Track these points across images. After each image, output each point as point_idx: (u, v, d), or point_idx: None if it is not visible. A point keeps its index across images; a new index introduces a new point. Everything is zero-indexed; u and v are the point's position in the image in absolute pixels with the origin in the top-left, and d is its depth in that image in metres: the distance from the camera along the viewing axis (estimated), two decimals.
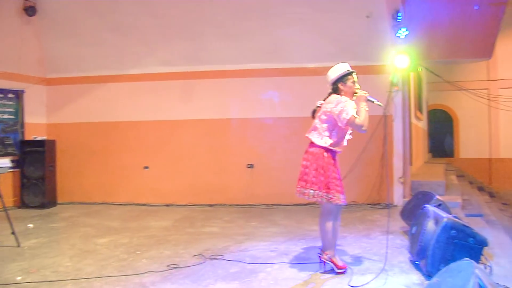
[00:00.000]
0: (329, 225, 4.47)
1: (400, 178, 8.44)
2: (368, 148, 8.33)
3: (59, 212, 8.48)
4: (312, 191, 4.36)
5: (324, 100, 4.54)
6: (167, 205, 8.97)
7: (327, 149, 4.40)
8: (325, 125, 4.42)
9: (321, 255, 4.57)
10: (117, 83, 9.36)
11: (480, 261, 4.23)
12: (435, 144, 20.66)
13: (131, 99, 9.34)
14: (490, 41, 9.73)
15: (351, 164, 8.28)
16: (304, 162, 4.48)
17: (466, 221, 6.58)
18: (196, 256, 5.21)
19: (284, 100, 8.84)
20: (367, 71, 8.25)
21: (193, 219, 7.64)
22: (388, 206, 8.10)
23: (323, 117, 4.44)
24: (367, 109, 4.37)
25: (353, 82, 4.49)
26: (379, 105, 4.53)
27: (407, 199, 7.54)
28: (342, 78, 4.46)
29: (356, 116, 4.29)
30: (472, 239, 4.14)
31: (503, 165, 19.40)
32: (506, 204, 14.06)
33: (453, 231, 4.14)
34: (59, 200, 9.17)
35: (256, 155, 8.94)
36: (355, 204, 8.39)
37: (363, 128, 4.32)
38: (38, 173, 8.80)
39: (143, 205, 9.04)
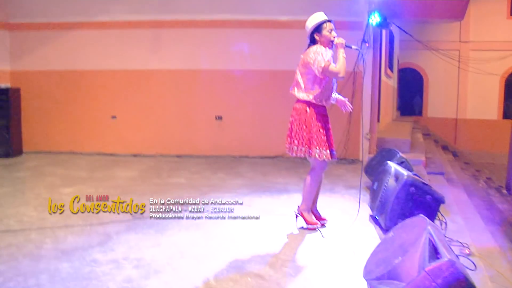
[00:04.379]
0: (309, 179, 4.50)
1: (366, 134, 8.54)
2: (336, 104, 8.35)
3: (24, 161, 8.34)
4: (295, 147, 4.40)
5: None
6: (134, 155, 8.93)
7: (309, 103, 4.38)
8: (305, 78, 4.40)
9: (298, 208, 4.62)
10: (84, 30, 9.05)
11: (436, 218, 4.39)
12: (404, 102, 20.90)
13: (98, 47, 9.06)
14: (462, 2, 9.73)
15: None
16: (291, 119, 4.48)
17: (428, 178, 6.79)
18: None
19: (254, 53, 8.72)
20: (339, 26, 8.14)
21: (160, 169, 7.64)
22: (348, 160, 8.26)
23: (302, 69, 4.41)
24: (344, 55, 4.31)
25: (330, 31, 4.40)
26: (357, 49, 4.55)
27: (372, 155, 7.65)
28: (317, 28, 4.38)
29: (331, 63, 4.25)
30: (429, 196, 4.27)
31: (468, 126, 19.87)
32: (468, 163, 14.51)
33: (412, 188, 4.26)
34: (25, 150, 8.94)
35: (224, 107, 8.90)
36: None
37: (340, 75, 4.28)
38: (2, 121, 8.49)
39: (110, 155, 8.97)
